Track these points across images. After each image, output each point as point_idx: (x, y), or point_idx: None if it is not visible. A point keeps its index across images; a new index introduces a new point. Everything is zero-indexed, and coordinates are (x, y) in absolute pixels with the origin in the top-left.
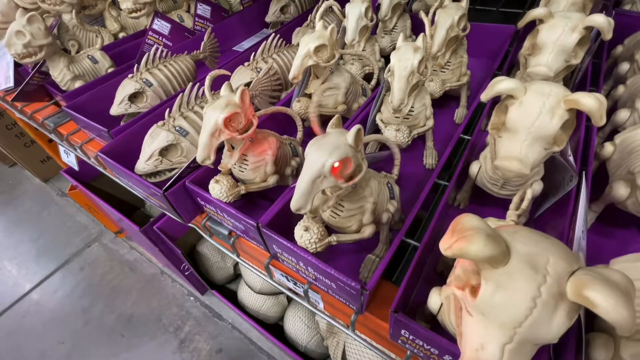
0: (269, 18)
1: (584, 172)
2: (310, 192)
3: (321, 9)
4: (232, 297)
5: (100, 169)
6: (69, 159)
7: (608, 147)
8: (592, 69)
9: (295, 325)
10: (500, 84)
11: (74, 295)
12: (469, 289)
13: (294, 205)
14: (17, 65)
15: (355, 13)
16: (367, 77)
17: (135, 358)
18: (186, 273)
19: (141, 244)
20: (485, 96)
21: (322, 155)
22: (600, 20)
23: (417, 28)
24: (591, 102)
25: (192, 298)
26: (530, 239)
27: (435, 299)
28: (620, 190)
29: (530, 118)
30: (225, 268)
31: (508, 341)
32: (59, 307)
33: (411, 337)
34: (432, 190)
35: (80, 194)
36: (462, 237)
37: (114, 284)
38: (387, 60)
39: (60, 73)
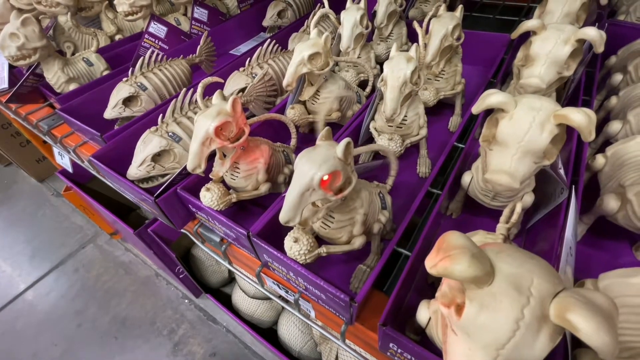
0: (266, 22)
1: (573, 185)
2: (299, 205)
3: (316, 16)
4: (226, 301)
5: (94, 172)
6: (63, 160)
7: (599, 159)
8: (586, 79)
9: (289, 330)
10: (491, 98)
11: (68, 297)
12: (455, 307)
13: (282, 217)
14: (11, 66)
15: (350, 20)
16: (362, 84)
17: None
18: (181, 276)
19: (136, 246)
20: (475, 109)
21: (311, 168)
22: (592, 34)
23: (413, 35)
24: (580, 117)
25: (186, 301)
26: (515, 259)
27: (424, 313)
28: (610, 204)
29: (520, 132)
30: (219, 272)
31: None
32: (53, 309)
33: (399, 350)
34: (426, 198)
35: (76, 195)
36: (447, 257)
37: (108, 286)
38: (382, 67)
39: (54, 75)
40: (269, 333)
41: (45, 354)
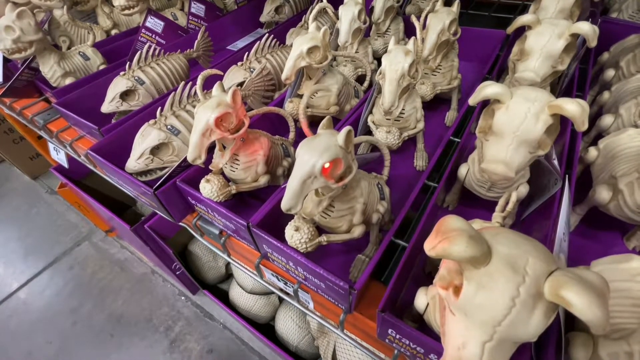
0: (263, 18)
1: (567, 175)
2: (301, 193)
3: (314, 11)
4: (223, 297)
5: (91, 167)
6: (59, 156)
7: (592, 152)
8: (579, 74)
9: (287, 325)
10: (487, 89)
11: (63, 295)
12: (453, 289)
13: (284, 205)
14: (6, 60)
15: (348, 15)
16: (360, 79)
17: (125, 358)
18: (177, 272)
19: (132, 243)
20: (472, 100)
21: (312, 156)
22: (586, 28)
23: (409, 31)
24: (574, 107)
25: (183, 298)
26: (511, 240)
27: (421, 299)
28: (602, 194)
29: (516, 122)
30: (216, 268)
31: (488, 340)
32: (47, 307)
33: (398, 336)
34: (422, 191)
35: (70, 192)
36: (446, 238)
37: (104, 284)
38: (380, 62)
39: (50, 69)
40: (266, 329)
41: (40, 352)
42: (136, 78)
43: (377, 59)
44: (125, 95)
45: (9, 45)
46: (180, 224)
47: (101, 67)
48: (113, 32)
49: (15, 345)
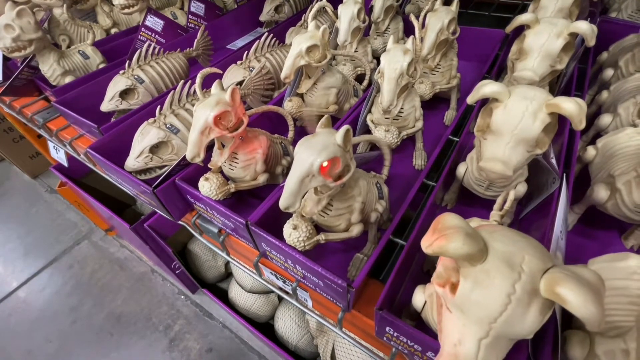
0: (263, 17)
1: (565, 174)
2: (299, 191)
3: (314, 10)
4: (223, 296)
5: (90, 165)
6: (59, 155)
7: (590, 151)
8: (578, 74)
9: (286, 324)
10: (485, 87)
11: (62, 294)
12: (449, 286)
13: (282, 203)
14: (5, 59)
15: (347, 14)
16: (359, 78)
17: (124, 357)
18: (177, 271)
19: (131, 242)
20: (470, 99)
21: (311, 154)
22: (584, 27)
23: (409, 30)
24: (571, 106)
25: (182, 297)
26: (508, 237)
27: (419, 297)
28: (600, 193)
29: (514, 121)
30: (216, 267)
31: (484, 336)
32: (47, 306)
33: (395, 334)
34: (421, 190)
35: (70, 190)
36: (442, 236)
37: (103, 282)
38: (379, 61)
39: (50, 68)
40: (265, 328)
41: (40, 350)
42: (136, 77)
43: (377, 58)
44: (124, 93)
45: (9, 43)
46: (179, 222)
47: (101, 66)
48: (113, 31)
49: (14, 344)
